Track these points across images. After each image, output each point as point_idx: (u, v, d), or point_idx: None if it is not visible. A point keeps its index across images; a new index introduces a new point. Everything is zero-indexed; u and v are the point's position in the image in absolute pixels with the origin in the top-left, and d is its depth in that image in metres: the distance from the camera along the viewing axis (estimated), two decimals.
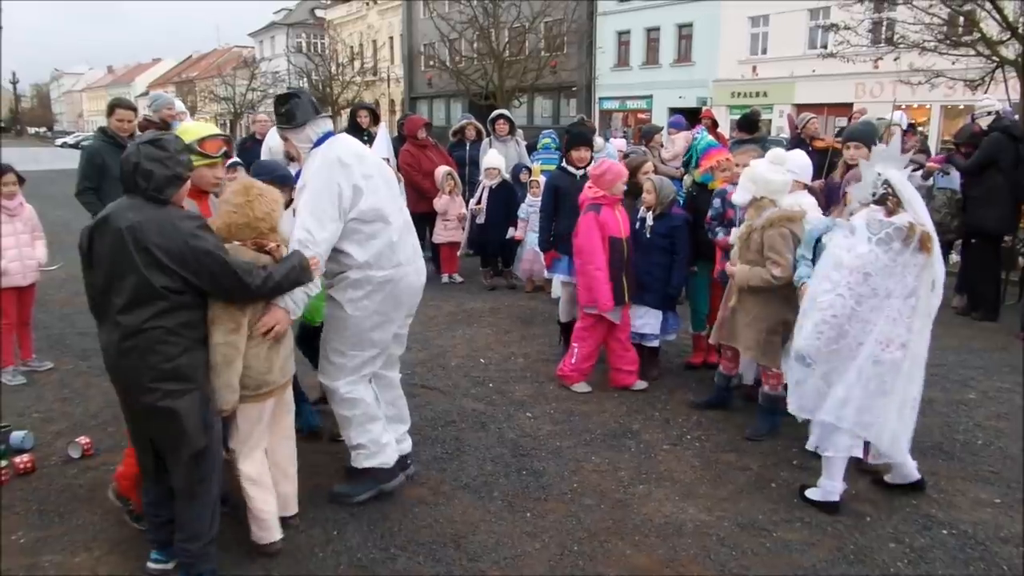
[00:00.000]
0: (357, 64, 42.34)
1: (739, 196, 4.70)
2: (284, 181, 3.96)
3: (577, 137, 6.08)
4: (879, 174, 3.59)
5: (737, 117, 9.24)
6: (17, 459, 4.15)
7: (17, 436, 4.37)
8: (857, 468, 4.13)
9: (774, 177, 4.51)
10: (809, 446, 3.88)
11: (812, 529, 3.67)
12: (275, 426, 3.46)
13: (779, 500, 3.94)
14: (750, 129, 7.96)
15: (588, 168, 5.83)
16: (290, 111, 3.60)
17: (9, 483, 4.01)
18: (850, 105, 21.06)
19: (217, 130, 3.62)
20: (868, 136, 5.34)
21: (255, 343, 3.18)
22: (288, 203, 3.97)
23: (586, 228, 5.23)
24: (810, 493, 3.89)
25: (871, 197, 3.62)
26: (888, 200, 3.56)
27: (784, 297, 4.43)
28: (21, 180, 5.58)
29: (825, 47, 20.28)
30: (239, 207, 3.14)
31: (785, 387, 4.19)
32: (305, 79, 40.17)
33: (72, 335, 6.73)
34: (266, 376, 3.24)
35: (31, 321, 5.82)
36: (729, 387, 5.13)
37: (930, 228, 3.54)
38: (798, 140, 8.39)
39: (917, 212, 3.54)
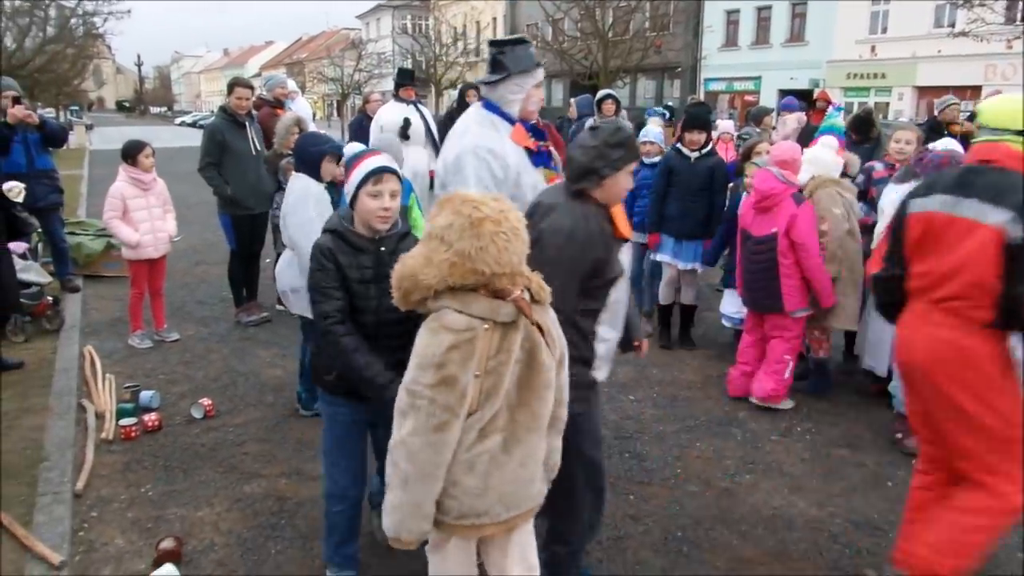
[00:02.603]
0: (460, 45, 42.72)
1: (801, 176, 4.91)
2: (336, 151, 4.12)
3: (693, 119, 5.89)
4: None
5: (851, 100, 8.73)
6: (146, 417, 4.42)
7: (146, 395, 4.66)
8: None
9: (826, 157, 4.95)
10: None
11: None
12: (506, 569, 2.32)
13: (896, 500, 3.74)
14: (864, 131, 6.91)
15: (705, 150, 5.72)
16: None
17: (139, 439, 4.27)
18: (978, 88, 19.81)
19: None
20: None
21: (473, 441, 2.09)
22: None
23: (809, 220, 4.64)
24: None
25: None
26: None
27: (841, 258, 4.74)
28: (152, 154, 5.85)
29: (953, 25, 19.07)
30: (463, 253, 2.00)
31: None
32: (410, 59, 40.85)
33: (192, 303, 7.09)
34: (476, 501, 2.12)
35: (163, 292, 6.09)
36: (826, 369, 5.08)
37: None
38: (934, 125, 7.86)
39: None
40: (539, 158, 3.31)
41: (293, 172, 4.12)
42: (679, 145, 5.85)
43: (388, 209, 2.63)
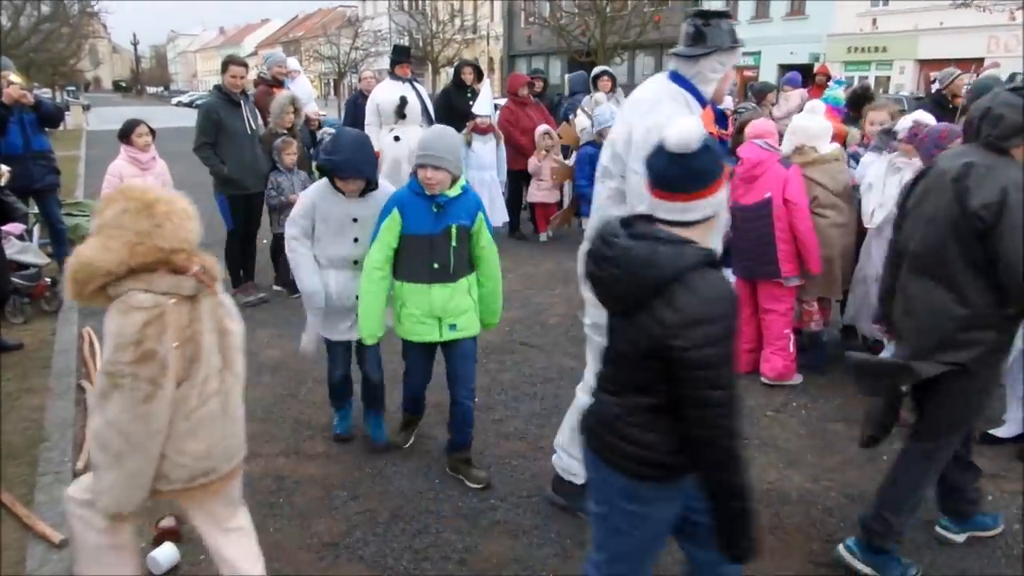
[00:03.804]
0: (457, 22, 42.35)
1: (784, 146, 4.89)
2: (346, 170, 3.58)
3: None
4: None
5: (852, 73, 8.68)
6: None
7: None
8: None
9: (809, 124, 4.80)
10: None
11: (928, 506, 3.50)
12: (216, 519, 2.44)
13: None
14: (861, 106, 6.71)
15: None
16: None
17: None
18: (980, 60, 19.64)
19: None
20: None
21: (193, 408, 2.20)
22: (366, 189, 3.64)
23: (799, 181, 4.65)
24: None
25: None
26: None
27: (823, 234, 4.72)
28: (152, 134, 5.83)
29: None
30: (141, 233, 2.08)
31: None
32: (406, 37, 40.54)
33: None
34: (203, 462, 2.25)
35: None
36: (820, 342, 5.14)
37: None
38: (939, 98, 7.76)
39: None
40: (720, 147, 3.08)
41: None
42: None
43: None
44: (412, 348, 3.66)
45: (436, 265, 3.42)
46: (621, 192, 2.98)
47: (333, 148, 3.59)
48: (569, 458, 3.32)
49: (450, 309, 3.47)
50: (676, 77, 3.00)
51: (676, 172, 1.94)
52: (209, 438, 2.24)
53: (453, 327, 3.52)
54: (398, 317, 3.56)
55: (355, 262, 3.67)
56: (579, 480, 3.32)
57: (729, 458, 1.94)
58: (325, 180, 3.69)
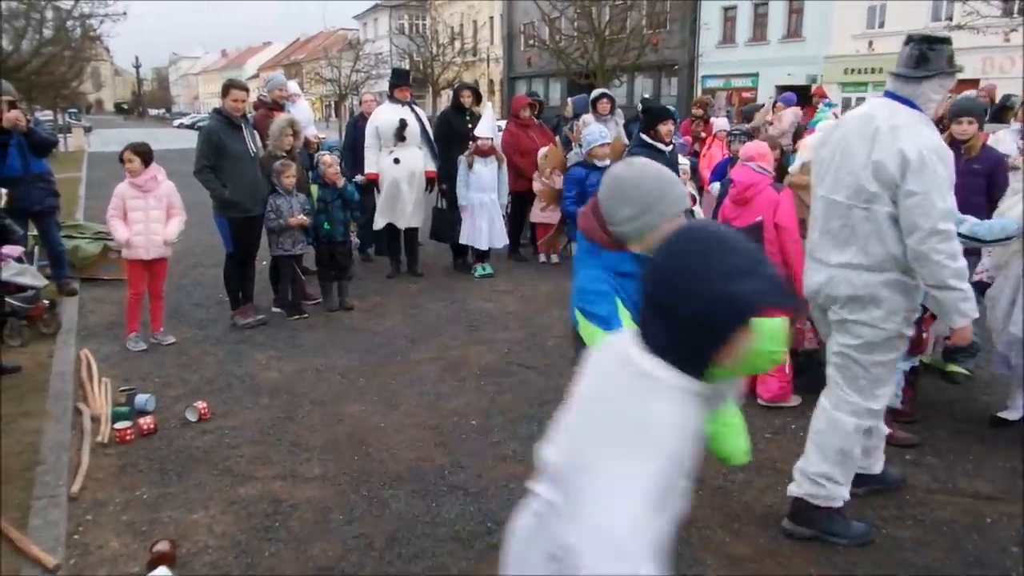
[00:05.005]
0: (457, 44, 42.72)
1: (794, 164, 5.07)
2: None
3: (661, 111, 5.82)
4: None
5: (849, 95, 8.76)
6: (141, 420, 4.43)
7: (141, 399, 4.67)
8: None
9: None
10: None
11: (925, 528, 3.49)
12: None
13: (889, 496, 3.76)
14: None
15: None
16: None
17: (134, 442, 4.28)
18: (976, 82, 19.80)
19: None
20: (980, 110, 5.10)
21: None
22: None
23: (790, 204, 4.72)
24: None
25: None
26: None
27: None
28: (148, 157, 5.77)
29: (951, 19, 19.12)
30: None
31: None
32: (407, 60, 40.86)
33: (188, 306, 7.10)
34: None
35: (163, 294, 6.06)
36: (816, 361, 5.06)
37: None
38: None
39: None
40: None
41: None
42: (649, 140, 5.65)
43: None
44: None
45: None
46: (891, 217, 3.02)
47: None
48: (828, 484, 3.33)
49: None
50: (900, 98, 3.08)
51: None
52: None
53: None
54: None
55: None
56: (838, 503, 3.33)
57: None
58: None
